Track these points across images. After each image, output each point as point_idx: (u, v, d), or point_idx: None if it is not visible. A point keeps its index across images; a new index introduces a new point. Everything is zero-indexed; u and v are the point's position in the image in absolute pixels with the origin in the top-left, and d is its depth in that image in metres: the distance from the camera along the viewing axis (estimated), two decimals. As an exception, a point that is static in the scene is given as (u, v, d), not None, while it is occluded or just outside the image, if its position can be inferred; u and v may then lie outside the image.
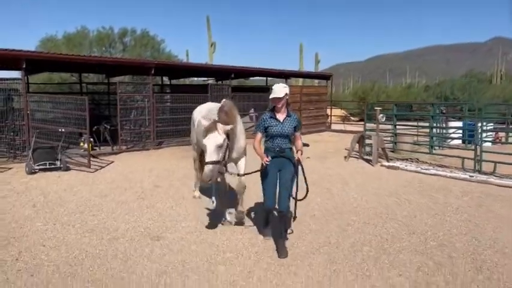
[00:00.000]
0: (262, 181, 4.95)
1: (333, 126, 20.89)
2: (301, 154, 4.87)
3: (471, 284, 4.04)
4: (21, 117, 10.65)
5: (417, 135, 13.84)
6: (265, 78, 22.30)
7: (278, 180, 4.85)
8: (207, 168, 4.75)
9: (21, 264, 4.43)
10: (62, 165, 9.36)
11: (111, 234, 5.41)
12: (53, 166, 9.27)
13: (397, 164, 10.72)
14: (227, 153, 5.09)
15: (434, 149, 13.27)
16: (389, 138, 13.04)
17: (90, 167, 9.69)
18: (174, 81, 23.01)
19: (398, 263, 4.55)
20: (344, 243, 5.15)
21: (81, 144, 11.49)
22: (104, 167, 10.10)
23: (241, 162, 5.67)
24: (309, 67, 37.10)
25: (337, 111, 24.07)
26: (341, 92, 56.54)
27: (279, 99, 4.81)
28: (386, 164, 10.80)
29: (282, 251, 4.75)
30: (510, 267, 4.43)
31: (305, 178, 4.91)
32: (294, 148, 4.99)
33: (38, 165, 9.13)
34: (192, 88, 19.61)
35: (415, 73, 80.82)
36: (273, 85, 5.06)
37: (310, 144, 15.07)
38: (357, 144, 12.04)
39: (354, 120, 26.33)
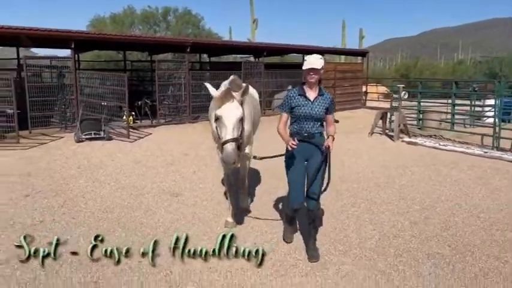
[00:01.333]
0: (288, 172, 4.20)
1: (369, 104, 20.95)
2: (333, 140, 4.03)
3: (433, 238, 4.62)
4: (71, 92, 11.94)
5: (446, 112, 13.87)
6: (301, 55, 22.64)
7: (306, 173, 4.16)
8: (230, 146, 3.85)
9: (65, 210, 5.53)
10: (105, 135, 10.55)
11: (138, 191, 6.42)
12: (97, 136, 10.47)
13: (418, 140, 11.04)
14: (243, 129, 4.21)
15: (465, 127, 13.36)
16: (414, 116, 13.25)
17: (129, 138, 10.84)
18: (214, 59, 23.88)
19: (377, 221, 5.18)
20: (335, 204, 5.82)
21: (124, 117, 12.69)
22: (142, 137, 11.22)
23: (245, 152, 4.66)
24: (354, 44, 36.75)
25: (374, 89, 23.94)
26: (387, 68, 55.21)
27: (315, 70, 3.94)
28: (407, 139, 11.15)
29: (312, 254, 4.16)
30: (476, 227, 4.94)
31: (329, 169, 4.13)
32: (325, 133, 4.17)
33: (84, 135, 10.36)
34: (228, 65, 20.40)
35: (471, 48, 76.76)
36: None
37: (341, 120, 15.49)
38: (381, 121, 12.40)
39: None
